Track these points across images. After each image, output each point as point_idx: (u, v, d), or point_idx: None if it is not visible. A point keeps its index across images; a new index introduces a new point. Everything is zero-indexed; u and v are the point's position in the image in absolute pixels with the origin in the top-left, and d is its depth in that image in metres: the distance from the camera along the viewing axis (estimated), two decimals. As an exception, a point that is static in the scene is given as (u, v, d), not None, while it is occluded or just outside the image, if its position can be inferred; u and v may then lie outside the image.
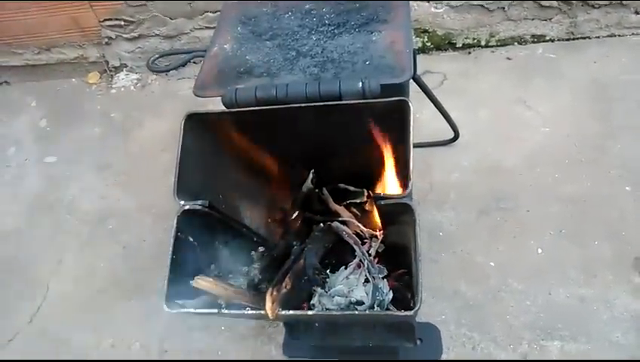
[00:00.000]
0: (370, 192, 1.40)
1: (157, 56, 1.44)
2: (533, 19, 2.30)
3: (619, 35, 2.30)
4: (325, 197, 1.46)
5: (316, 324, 1.48)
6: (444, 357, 1.56)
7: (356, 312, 1.24)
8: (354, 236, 1.37)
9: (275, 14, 1.39)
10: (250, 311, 1.16)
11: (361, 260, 1.33)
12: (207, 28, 2.45)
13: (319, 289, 1.31)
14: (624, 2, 2.20)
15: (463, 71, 2.31)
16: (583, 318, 1.57)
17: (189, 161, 1.19)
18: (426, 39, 2.39)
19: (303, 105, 1.13)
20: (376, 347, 1.52)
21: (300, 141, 1.29)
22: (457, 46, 2.40)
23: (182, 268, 1.14)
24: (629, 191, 1.81)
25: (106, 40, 2.55)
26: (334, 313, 1.27)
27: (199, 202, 1.18)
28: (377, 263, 1.34)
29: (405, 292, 1.29)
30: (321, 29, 1.32)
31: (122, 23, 2.47)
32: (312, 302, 1.30)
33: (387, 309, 1.26)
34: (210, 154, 1.28)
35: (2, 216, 2.22)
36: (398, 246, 1.28)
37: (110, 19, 2.47)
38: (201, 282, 1.13)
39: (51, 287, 1.95)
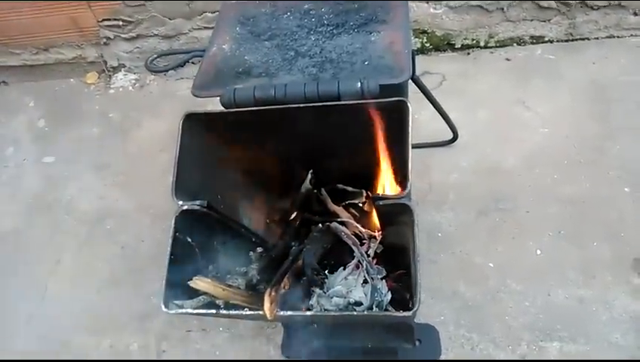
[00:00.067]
0: (369, 193, 1.40)
1: (155, 56, 1.43)
2: (532, 21, 2.30)
3: (618, 37, 2.30)
4: (324, 197, 1.46)
5: (315, 325, 1.48)
6: (443, 357, 1.56)
7: (355, 313, 1.24)
8: (352, 237, 1.37)
9: (273, 14, 1.39)
10: (248, 312, 1.16)
11: (359, 261, 1.33)
12: (205, 28, 2.44)
13: (318, 290, 1.30)
14: (623, 3, 2.20)
15: (462, 72, 2.31)
16: (582, 319, 1.57)
17: (188, 161, 1.19)
18: (424, 40, 2.39)
19: (301, 105, 1.13)
20: (375, 348, 1.52)
21: (299, 141, 1.29)
22: (456, 47, 2.40)
23: (180, 269, 1.13)
24: (627, 192, 1.81)
25: (105, 40, 2.55)
26: (333, 314, 1.26)
27: (197, 202, 1.18)
28: (376, 264, 1.34)
29: (404, 293, 1.29)
30: (320, 30, 1.32)
31: (121, 23, 2.47)
32: (310, 302, 1.30)
33: (386, 310, 1.25)
34: (208, 155, 1.28)
35: (0, 217, 2.21)
36: (397, 247, 1.28)
37: (108, 20, 2.46)
38: (200, 283, 1.13)
39: (50, 287, 1.95)
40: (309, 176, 1.43)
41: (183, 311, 1.11)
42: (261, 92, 1.16)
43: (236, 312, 1.15)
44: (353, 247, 1.35)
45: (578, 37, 2.33)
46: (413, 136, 1.07)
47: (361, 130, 1.19)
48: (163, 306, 1.09)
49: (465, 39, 2.38)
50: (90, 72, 2.68)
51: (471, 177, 1.94)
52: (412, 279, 1.09)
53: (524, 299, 1.63)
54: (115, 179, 2.23)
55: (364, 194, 1.42)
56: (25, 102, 2.66)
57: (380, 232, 1.39)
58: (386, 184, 1.31)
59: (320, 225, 1.42)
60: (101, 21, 2.47)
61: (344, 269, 1.33)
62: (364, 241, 1.39)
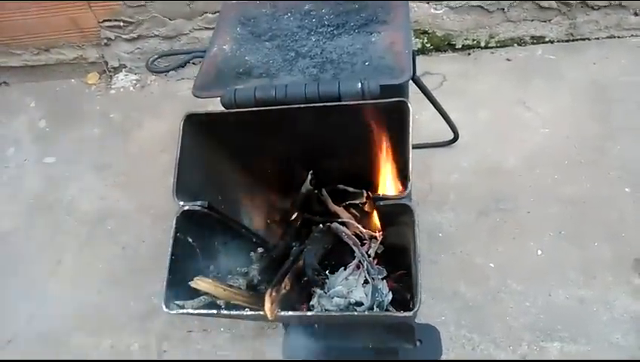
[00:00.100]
0: (370, 193, 1.40)
1: (156, 56, 1.43)
2: (532, 21, 2.30)
3: (618, 37, 2.30)
4: (324, 198, 1.46)
5: (315, 325, 1.48)
6: (443, 358, 1.56)
7: (355, 313, 1.24)
8: (353, 237, 1.37)
9: (274, 15, 1.39)
10: (249, 312, 1.16)
11: (360, 261, 1.33)
12: (206, 28, 2.44)
13: (318, 290, 1.31)
14: (623, 4, 2.20)
15: (462, 72, 2.31)
16: (582, 319, 1.57)
17: (188, 161, 1.19)
18: (425, 40, 2.39)
19: (302, 106, 1.13)
20: (376, 348, 1.52)
21: (299, 142, 1.29)
22: (457, 47, 2.40)
23: (181, 269, 1.13)
24: (628, 193, 1.81)
25: (105, 41, 2.55)
26: (333, 314, 1.27)
27: (198, 203, 1.18)
28: (377, 264, 1.34)
29: (405, 294, 1.29)
30: (321, 30, 1.32)
31: (121, 23, 2.47)
32: (311, 303, 1.30)
33: (386, 310, 1.25)
34: (209, 155, 1.28)
35: (1, 217, 2.21)
36: (398, 247, 1.28)
37: (109, 20, 2.46)
38: (200, 283, 1.13)
39: (50, 288, 1.95)
40: (310, 176, 1.43)
41: (184, 311, 1.11)
42: (262, 92, 1.16)
43: (237, 312, 1.16)
44: (354, 248, 1.35)
45: (579, 37, 2.33)
46: (414, 136, 1.08)
47: (361, 130, 1.19)
48: (164, 306, 1.09)
49: (465, 39, 2.38)
50: (91, 73, 2.69)
51: (471, 177, 1.94)
52: (413, 279, 1.09)
53: (524, 299, 1.63)
54: (116, 180, 2.23)
55: (365, 194, 1.42)
56: (26, 102, 2.66)
57: (381, 232, 1.39)
58: (387, 184, 1.31)
59: (321, 225, 1.42)
60: (102, 22, 2.47)
61: (345, 269, 1.33)
62: (365, 242, 1.40)
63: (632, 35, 2.29)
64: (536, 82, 2.19)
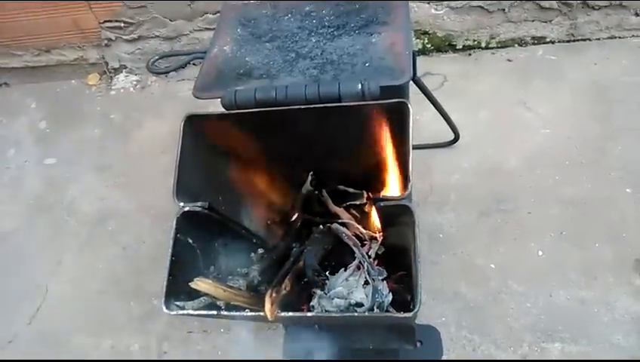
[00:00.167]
0: (370, 194, 1.40)
1: (157, 57, 1.43)
2: (533, 21, 2.29)
3: (619, 37, 2.30)
4: (325, 198, 1.46)
5: (316, 326, 1.48)
6: (444, 358, 1.56)
7: (356, 314, 1.24)
8: (353, 238, 1.37)
9: (274, 16, 1.39)
10: (249, 313, 1.16)
11: (360, 262, 1.32)
12: (206, 29, 2.44)
13: (319, 291, 1.30)
14: (624, 4, 2.20)
15: (463, 72, 2.31)
16: (583, 320, 1.57)
17: (189, 162, 1.19)
18: (426, 41, 2.39)
19: (302, 107, 1.13)
20: (377, 349, 1.52)
21: (300, 143, 1.29)
22: (457, 48, 2.40)
23: (181, 270, 1.13)
24: (629, 193, 1.81)
25: (106, 41, 2.55)
26: (334, 315, 1.26)
27: (199, 203, 1.18)
28: (377, 265, 1.34)
29: (405, 294, 1.29)
30: (321, 31, 1.32)
31: (122, 24, 2.47)
32: (311, 303, 1.30)
33: (387, 311, 1.25)
34: (209, 156, 1.28)
35: (2, 217, 2.21)
36: (398, 248, 1.28)
37: (110, 21, 2.46)
38: (201, 284, 1.13)
39: (51, 288, 1.95)
40: (310, 177, 1.43)
41: (184, 312, 1.11)
42: (262, 93, 1.16)
43: (237, 313, 1.16)
44: (354, 248, 1.35)
45: (579, 37, 2.32)
46: (415, 137, 1.07)
47: (361, 131, 1.19)
48: (164, 307, 1.09)
49: (466, 40, 2.38)
50: (92, 74, 2.69)
51: (472, 178, 1.93)
52: (413, 280, 1.09)
53: (525, 300, 1.63)
54: (117, 181, 2.23)
55: (365, 195, 1.42)
56: (26, 103, 2.66)
57: (381, 233, 1.39)
58: (387, 185, 1.31)
59: (321, 226, 1.42)
60: (102, 22, 2.47)
61: (345, 270, 1.33)
62: (365, 242, 1.39)
63: (633, 36, 2.28)
64: (537, 83, 2.19)
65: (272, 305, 1.09)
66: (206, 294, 1.16)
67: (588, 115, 2.04)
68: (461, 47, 2.39)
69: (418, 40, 2.39)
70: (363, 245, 1.38)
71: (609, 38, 2.30)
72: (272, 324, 1.65)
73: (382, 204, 1.12)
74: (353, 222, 1.42)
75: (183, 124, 1.19)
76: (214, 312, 1.14)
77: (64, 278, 1.97)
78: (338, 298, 1.26)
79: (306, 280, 1.30)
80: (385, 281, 1.31)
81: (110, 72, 2.67)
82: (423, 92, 1.58)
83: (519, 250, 1.73)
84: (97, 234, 2.07)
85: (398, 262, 1.33)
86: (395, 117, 1.10)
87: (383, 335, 1.54)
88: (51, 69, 2.68)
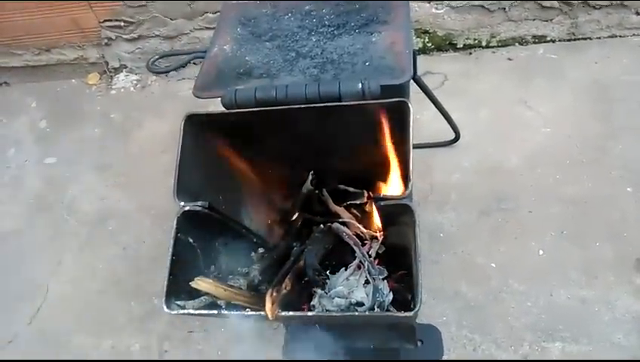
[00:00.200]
0: (371, 193, 1.40)
1: (157, 57, 1.43)
2: (534, 20, 2.29)
3: (620, 36, 2.29)
4: (325, 198, 1.46)
5: (316, 325, 1.48)
6: (445, 358, 1.56)
7: (356, 313, 1.23)
8: (354, 237, 1.37)
9: (274, 15, 1.39)
10: (250, 313, 1.16)
11: (361, 261, 1.32)
12: (207, 28, 2.44)
13: (319, 291, 1.30)
14: (625, 3, 2.19)
15: (463, 71, 2.30)
16: (584, 319, 1.57)
17: (189, 161, 1.19)
18: (426, 40, 2.39)
19: (302, 106, 1.13)
20: (377, 348, 1.52)
21: (300, 142, 1.29)
22: (458, 47, 2.40)
23: (181, 269, 1.13)
24: (630, 192, 1.80)
25: (106, 41, 2.55)
26: (334, 314, 1.26)
27: (199, 203, 1.18)
28: (377, 264, 1.34)
29: (406, 294, 1.29)
30: (321, 30, 1.31)
31: (122, 23, 2.47)
32: (312, 303, 1.30)
33: (387, 310, 1.25)
34: (210, 156, 1.28)
35: (2, 217, 2.21)
36: (399, 248, 1.28)
37: (110, 20, 2.46)
38: (201, 283, 1.13)
39: (51, 288, 1.95)
40: (311, 176, 1.43)
41: (185, 311, 1.11)
42: (262, 93, 1.16)
43: (238, 313, 1.15)
44: (355, 248, 1.34)
45: (580, 36, 2.32)
46: (415, 136, 1.07)
47: (362, 130, 1.19)
48: (165, 307, 1.09)
49: (467, 39, 2.37)
50: (92, 73, 2.69)
51: (473, 177, 1.93)
52: (414, 279, 1.08)
53: (526, 299, 1.63)
54: (117, 180, 2.23)
55: (366, 194, 1.42)
56: (27, 102, 2.66)
57: (382, 233, 1.39)
58: (388, 184, 1.31)
59: (321, 225, 1.42)
60: (102, 22, 2.47)
61: (346, 270, 1.33)
62: (366, 242, 1.39)
63: (634, 35, 2.28)
64: (538, 82, 2.19)
65: (272, 304, 1.09)
66: (207, 293, 1.16)
67: (588, 113, 2.04)
68: (462, 46, 2.39)
69: (418, 39, 2.39)
70: (363, 244, 1.38)
71: (610, 36, 2.30)
72: (273, 324, 1.65)
73: (382, 203, 1.12)
74: (354, 222, 1.42)
75: (183, 123, 1.19)
76: (215, 312, 1.14)
77: (64, 278, 1.97)
78: (339, 297, 1.26)
79: (306, 279, 1.30)
80: (385, 281, 1.31)
81: (110, 72, 2.67)
82: (423, 91, 1.58)
83: (520, 249, 1.73)
84: (97, 234, 2.07)
85: (398, 262, 1.33)
86: (396, 116, 1.10)
87: (383, 334, 1.54)
88: (51, 68, 2.68)
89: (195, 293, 1.15)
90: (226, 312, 1.15)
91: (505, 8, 2.26)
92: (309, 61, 1.25)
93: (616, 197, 1.80)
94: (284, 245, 1.45)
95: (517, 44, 2.36)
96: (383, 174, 1.30)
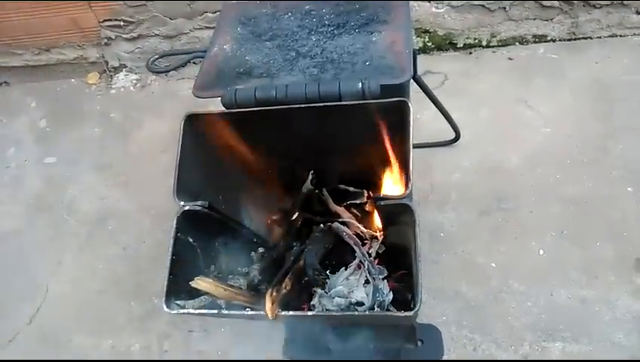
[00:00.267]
0: (371, 193, 1.40)
1: (157, 56, 1.43)
2: (534, 20, 2.29)
3: (620, 36, 2.29)
4: (325, 198, 1.46)
5: (316, 325, 1.48)
6: (445, 358, 1.56)
7: (356, 313, 1.23)
8: (354, 237, 1.37)
9: (274, 15, 1.38)
10: (250, 312, 1.16)
11: (361, 261, 1.32)
12: (206, 28, 2.44)
13: (319, 290, 1.30)
14: (625, 2, 2.19)
15: (464, 71, 2.30)
16: (584, 319, 1.57)
17: (189, 161, 1.19)
18: (426, 39, 2.39)
19: (302, 106, 1.13)
20: (377, 348, 1.52)
21: (300, 142, 1.29)
22: (458, 46, 2.39)
23: (181, 269, 1.13)
24: (630, 192, 1.80)
25: (106, 40, 2.55)
26: (334, 314, 1.26)
27: (199, 203, 1.18)
28: (377, 264, 1.34)
29: (406, 294, 1.29)
30: (321, 30, 1.31)
31: (122, 23, 2.47)
32: (312, 302, 1.30)
33: (387, 310, 1.25)
34: (209, 155, 1.28)
35: (2, 217, 2.21)
36: (399, 247, 1.28)
37: (109, 20, 2.46)
38: (201, 283, 1.13)
39: (51, 288, 1.95)
40: (311, 176, 1.42)
41: (185, 311, 1.11)
42: (262, 92, 1.16)
43: (238, 312, 1.15)
44: (355, 247, 1.34)
45: (581, 36, 2.32)
46: (415, 135, 1.07)
47: (362, 130, 1.19)
48: (165, 306, 1.08)
49: (467, 38, 2.37)
50: (92, 73, 2.68)
51: (473, 177, 1.93)
52: (414, 279, 1.08)
53: (526, 299, 1.63)
54: (117, 180, 2.23)
55: (366, 194, 1.42)
56: (26, 102, 2.66)
57: (382, 232, 1.39)
58: (388, 184, 1.31)
59: (321, 225, 1.42)
60: (102, 21, 2.47)
61: (346, 269, 1.33)
62: (366, 241, 1.39)
63: (635, 34, 2.28)
64: (538, 81, 2.18)
65: (272, 304, 1.09)
66: (206, 293, 1.16)
67: (589, 113, 2.04)
68: (462, 45, 2.39)
69: (419, 38, 2.39)
70: (363, 244, 1.38)
71: (610, 36, 2.30)
72: (273, 323, 1.65)
73: (382, 202, 1.12)
74: (354, 221, 1.42)
75: (183, 123, 1.19)
76: (215, 311, 1.14)
77: (64, 278, 1.97)
78: (339, 297, 1.26)
79: (306, 279, 1.30)
80: (385, 280, 1.31)
81: (110, 71, 2.67)
82: (423, 91, 1.58)
83: (520, 249, 1.73)
84: (97, 234, 2.07)
85: (398, 261, 1.33)
86: (396, 116, 1.10)
87: (383, 334, 1.54)
88: (51, 68, 2.68)
89: (195, 293, 1.15)
90: (226, 312, 1.15)
91: (505, 8, 2.26)
92: (309, 61, 1.25)
93: (616, 197, 1.80)
94: (284, 245, 1.45)
95: (517, 43, 2.36)
96: (383, 174, 1.30)
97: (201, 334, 1.73)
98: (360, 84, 1.12)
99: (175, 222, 1.14)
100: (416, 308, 0.98)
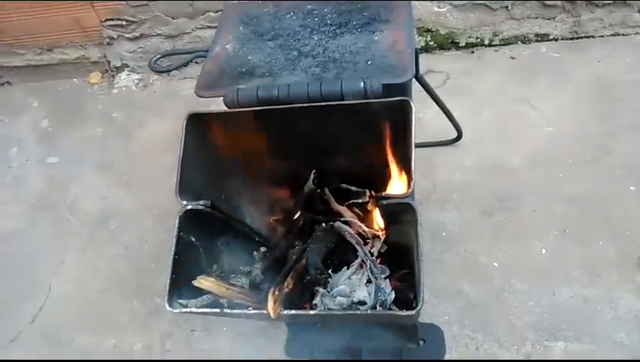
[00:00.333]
0: (373, 192, 1.40)
1: (159, 56, 1.43)
2: (536, 18, 2.29)
3: (623, 35, 2.29)
4: (327, 197, 1.46)
5: (318, 324, 1.48)
6: (447, 357, 1.56)
7: (358, 312, 1.23)
8: (356, 236, 1.37)
9: (276, 14, 1.39)
10: (252, 311, 1.16)
11: (363, 260, 1.32)
12: (208, 27, 2.44)
13: (321, 289, 1.30)
14: (628, 1, 2.19)
15: (466, 70, 2.30)
16: (586, 318, 1.56)
17: (191, 161, 1.19)
18: (429, 38, 2.39)
19: (304, 105, 1.13)
20: (379, 347, 1.52)
21: (302, 141, 1.29)
22: (460, 45, 2.39)
23: (184, 268, 1.13)
24: (633, 191, 1.80)
25: (108, 40, 2.55)
26: (336, 313, 1.26)
27: (201, 202, 1.18)
28: (380, 263, 1.34)
29: (408, 293, 1.29)
30: (323, 29, 1.31)
31: (124, 22, 2.47)
32: (314, 301, 1.30)
33: (389, 309, 1.25)
34: (212, 155, 1.28)
35: (4, 217, 2.22)
36: (401, 246, 1.28)
37: (112, 19, 2.47)
38: (204, 282, 1.13)
39: (53, 287, 1.95)
40: (313, 175, 1.42)
41: (187, 310, 1.11)
42: (264, 92, 1.16)
43: (240, 311, 1.16)
44: (357, 247, 1.34)
45: (583, 35, 2.32)
46: (417, 135, 1.07)
47: (364, 129, 1.19)
48: (167, 305, 1.09)
49: (469, 37, 2.37)
50: (94, 72, 2.69)
51: (475, 176, 1.93)
52: (416, 278, 1.08)
53: (528, 298, 1.63)
54: (119, 179, 2.23)
55: (368, 193, 1.42)
56: (29, 102, 2.66)
57: (384, 232, 1.39)
58: (390, 183, 1.31)
59: (323, 224, 1.42)
60: (104, 21, 2.47)
61: (348, 269, 1.33)
62: (368, 241, 1.39)
63: (637, 33, 2.27)
64: (541, 80, 2.18)
65: (274, 303, 1.09)
66: (209, 292, 1.16)
67: (591, 112, 2.03)
68: (464, 44, 2.39)
69: (421, 37, 2.38)
70: (366, 243, 1.38)
71: (613, 35, 2.30)
72: (275, 323, 1.65)
73: (384, 202, 1.12)
74: (356, 221, 1.42)
75: (185, 122, 1.19)
76: (217, 310, 1.14)
77: (67, 277, 1.97)
78: (341, 296, 1.26)
79: (308, 278, 1.30)
80: (387, 279, 1.31)
81: (112, 71, 2.67)
82: (425, 90, 1.58)
83: (522, 248, 1.73)
84: (99, 234, 2.07)
85: (400, 261, 1.33)
86: (398, 115, 1.10)
87: (385, 333, 1.54)
88: (53, 67, 2.68)
89: (198, 292, 1.15)
90: (228, 311, 1.15)
91: (507, 7, 2.26)
92: (311, 60, 1.25)
93: (619, 196, 1.79)
94: (286, 244, 1.45)
95: (519, 42, 2.36)
96: (385, 173, 1.30)
97: (203, 333, 1.73)
98: (362, 83, 1.12)
99: (177, 221, 1.14)
100: (418, 308, 0.98)
